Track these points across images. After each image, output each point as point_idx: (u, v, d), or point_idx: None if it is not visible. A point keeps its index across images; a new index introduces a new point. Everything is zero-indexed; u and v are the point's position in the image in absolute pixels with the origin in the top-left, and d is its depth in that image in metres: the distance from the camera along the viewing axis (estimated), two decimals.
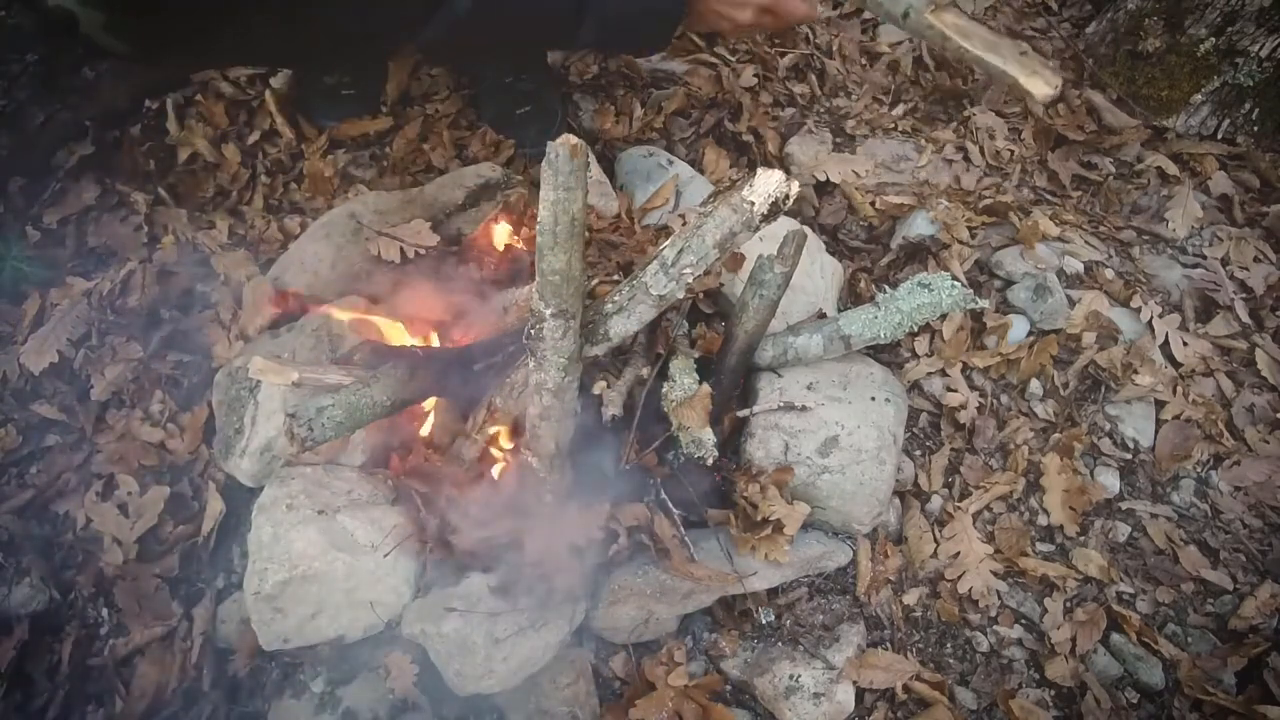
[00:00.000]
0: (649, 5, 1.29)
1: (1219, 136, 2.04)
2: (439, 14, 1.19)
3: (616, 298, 1.15)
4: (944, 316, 1.64)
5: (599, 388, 1.33)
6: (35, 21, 1.47)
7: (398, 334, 1.48)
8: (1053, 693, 1.41)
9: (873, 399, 1.47)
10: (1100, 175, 2.00)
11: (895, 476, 1.48)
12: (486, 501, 1.36)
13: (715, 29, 1.39)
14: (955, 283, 1.45)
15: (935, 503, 1.57)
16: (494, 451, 1.39)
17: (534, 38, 1.42)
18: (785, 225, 1.35)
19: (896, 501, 1.56)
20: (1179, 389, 1.67)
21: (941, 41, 1.23)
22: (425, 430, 1.48)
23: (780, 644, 1.40)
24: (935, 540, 1.53)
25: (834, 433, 1.42)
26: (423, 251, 1.58)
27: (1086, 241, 1.85)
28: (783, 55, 2.16)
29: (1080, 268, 1.80)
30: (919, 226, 1.80)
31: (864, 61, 2.21)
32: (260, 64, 1.89)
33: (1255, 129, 2.02)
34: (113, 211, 1.76)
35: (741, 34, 1.40)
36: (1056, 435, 1.63)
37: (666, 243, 1.09)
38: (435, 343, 1.51)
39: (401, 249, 1.58)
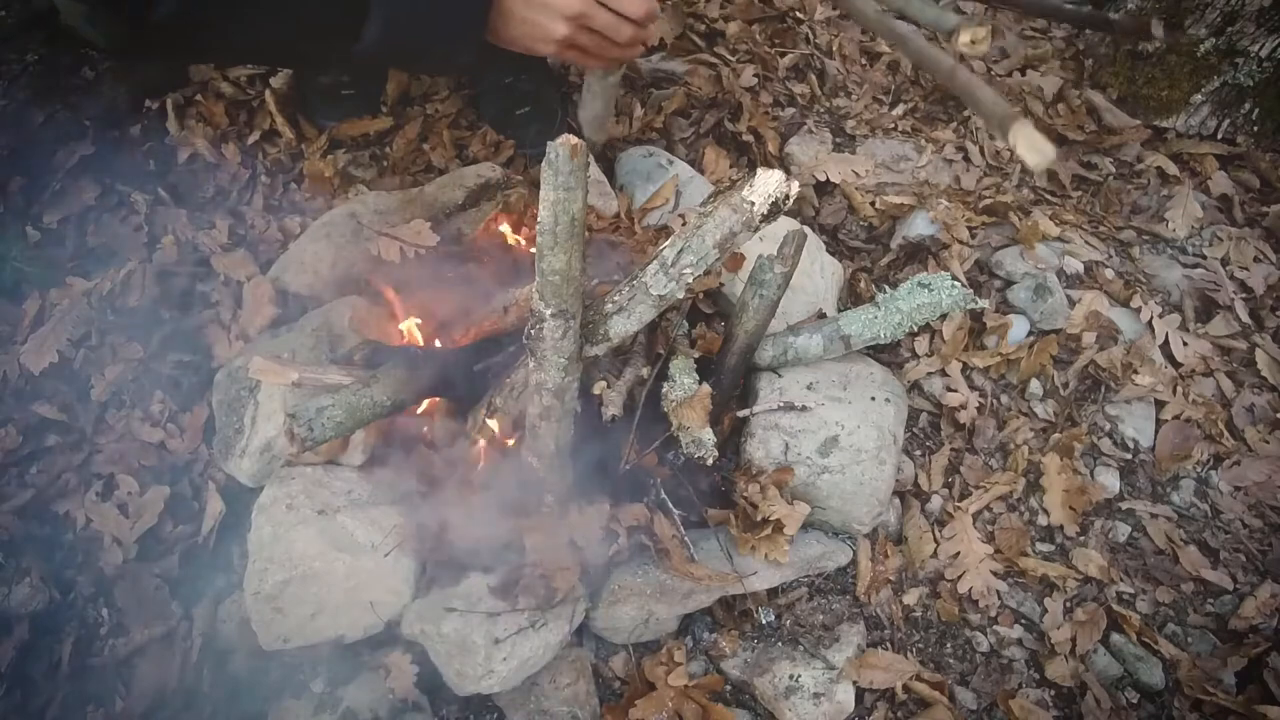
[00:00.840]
0: (446, 9, 1.09)
1: (1219, 136, 2.04)
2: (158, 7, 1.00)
3: (616, 298, 1.15)
4: (944, 316, 1.64)
5: (599, 388, 1.32)
6: (20, 14, 1.44)
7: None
8: (1053, 693, 1.41)
9: (873, 399, 1.47)
10: (1100, 175, 2.00)
11: (895, 476, 1.48)
12: (486, 501, 1.36)
13: (530, 49, 1.17)
14: (955, 283, 1.45)
15: (935, 503, 1.57)
16: (494, 451, 1.39)
17: (307, 39, 1.14)
18: (785, 225, 1.35)
19: (896, 501, 1.56)
20: (1179, 389, 1.67)
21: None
22: (425, 430, 1.48)
23: (780, 644, 1.40)
24: (935, 540, 1.53)
25: (834, 433, 1.42)
26: (423, 251, 1.58)
27: (1086, 241, 1.85)
28: (782, 55, 2.16)
29: (1080, 268, 1.80)
30: (919, 226, 1.80)
31: (864, 61, 2.21)
32: (250, 63, 1.88)
33: (1255, 129, 2.01)
34: (113, 211, 1.76)
35: (568, 56, 1.20)
36: (1056, 435, 1.63)
37: (666, 243, 1.09)
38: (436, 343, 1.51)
39: (401, 249, 1.58)
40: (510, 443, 1.38)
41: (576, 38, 1.15)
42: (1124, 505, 1.59)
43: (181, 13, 1.01)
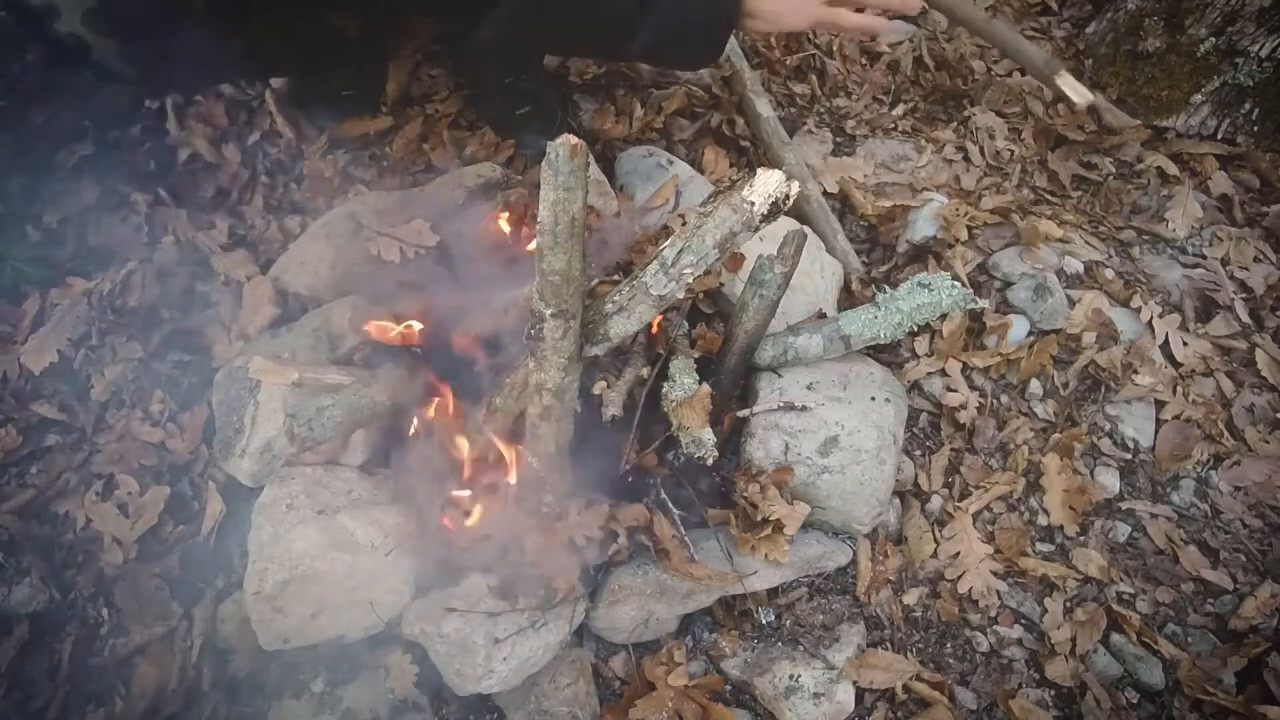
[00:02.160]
0: (704, 14, 1.29)
1: (1219, 136, 2.04)
2: (493, 14, 1.20)
3: (616, 298, 1.15)
4: (944, 316, 1.64)
5: (599, 388, 1.32)
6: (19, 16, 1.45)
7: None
8: (1053, 693, 1.41)
9: (873, 399, 1.47)
10: (1100, 175, 2.00)
11: (895, 476, 1.48)
12: (486, 501, 1.36)
13: (761, 36, 1.40)
14: (955, 283, 1.45)
15: (935, 503, 1.57)
16: (494, 451, 1.39)
17: (589, 41, 1.41)
18: (785, 225, 1.35)
19: (896, 501, 1.56)
20: (1179, 389, 1.67)
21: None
22: (425, 430, 1.48)
23: (780, 644, 1.40)
24: (935, 540, 1.53)
25: (834, 433, 1.42)
26: (423, 252, 1.58)
27: (1086, 241, 1.85)
28: (787, 58, 2.15)
29: (1080, 268, 1.80)
30: (921, 227, 1.80)
31: (864, 61, 2.21)
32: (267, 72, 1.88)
33: (1255, 129, 2.01)
34: (113, 211, 1.76)
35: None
36: (1056, 435, 1.63)
37: (666, 243, 1.09)
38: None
39: (401, 249, 1.58)
40: (510, 443, 1.38)
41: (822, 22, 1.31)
42: (1124, 505, 1.59)
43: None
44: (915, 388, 1.68)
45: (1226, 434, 1.64)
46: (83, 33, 1.04)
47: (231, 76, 1.80)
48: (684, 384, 1.36)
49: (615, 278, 1.53)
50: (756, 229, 1.04)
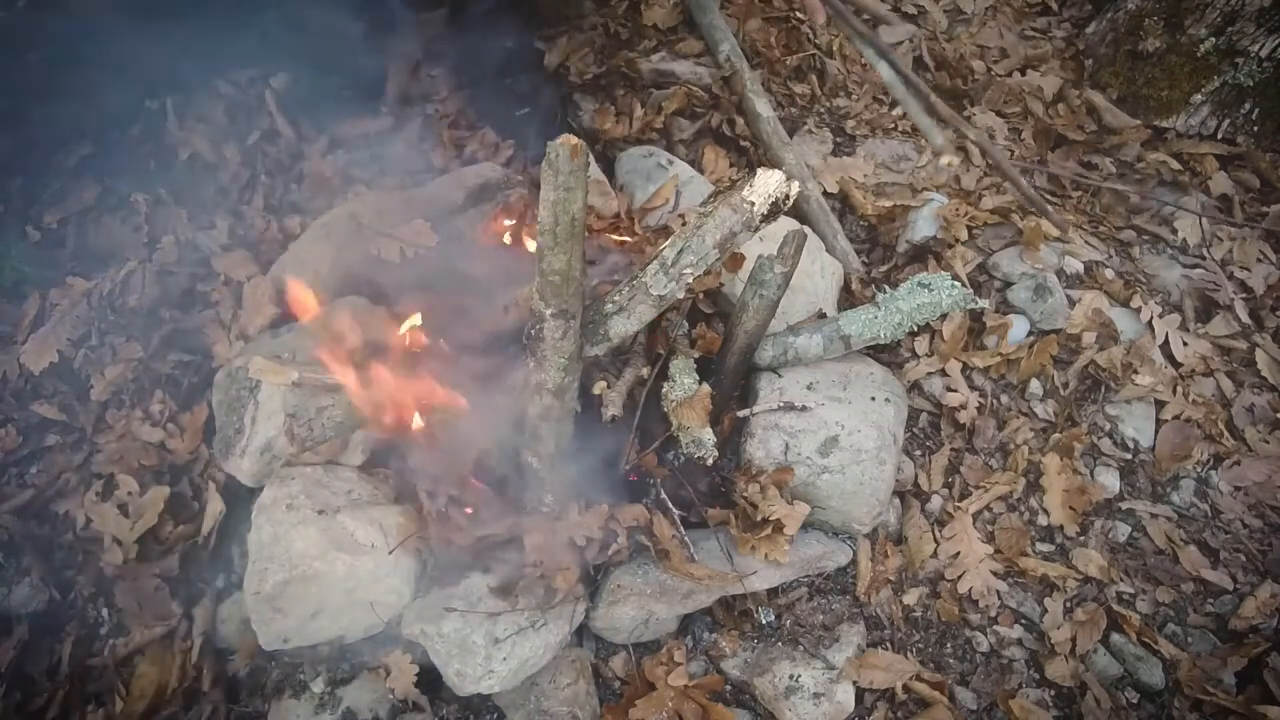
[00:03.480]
0: None
1: (1219, 136, 2.04)
2: None
3: (616, 298, 1.15)
4: (944, 316, 1.64)
5: (599, 388, 1.32)
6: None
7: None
8: (1053, 693, 1.41)
9: (873, 399, 1.47)
10: (1100, 175, 2.00)
11: (895, 476, 1.48)
12: (487, 501, 1.36)
13: None
14: (955, 283, 1.45)
15: (935, 503, 1.57)
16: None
17: None
18: (785, 225, 1.35)
19: (896, 501, 1.56)
20: (1179, 389, 1.67)
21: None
22: (426, 429, 1.48)
23: (780, 644, 1.40)
24: (935, 540, 1.53)
25: (834, 433, 1.42)
26: (423, 251, 1.58)
27: (1086, 241, 1.85)
28: (787, 58, 2.15)
29: (1080, 267, 1.80)
30: (921, 227, 1.80)
31: (864, 61, 2.21)
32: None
33: (1255, 129, 2.02)
34: (113, 211, 1.76)
35: None
36: (1056, 435, 1.63)
37: (666, 243, 1.09)
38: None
39: (401, 249, 1.58)
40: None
41: None
42: (1124, 505, 1.59)
43: None
44: (915, 388, 1.68)
45: (1226, 434, 1.64)
46: None
47: (231, 70, 1.79)
48: (684, 384, 1.36)
49: (615, 278, 1.53)
50: (756, 229, 1.04)
